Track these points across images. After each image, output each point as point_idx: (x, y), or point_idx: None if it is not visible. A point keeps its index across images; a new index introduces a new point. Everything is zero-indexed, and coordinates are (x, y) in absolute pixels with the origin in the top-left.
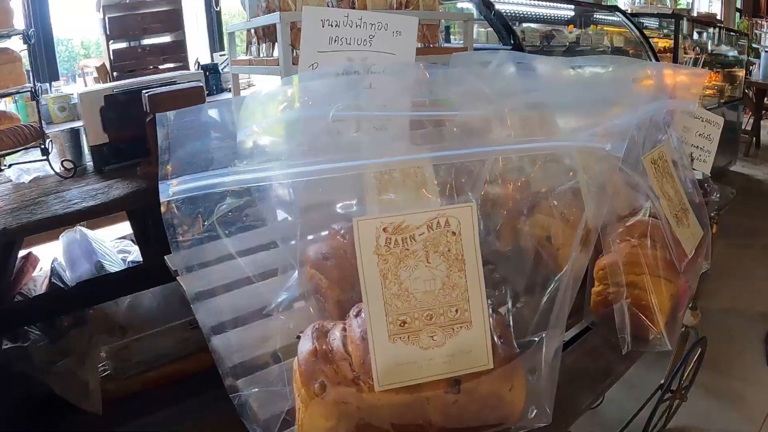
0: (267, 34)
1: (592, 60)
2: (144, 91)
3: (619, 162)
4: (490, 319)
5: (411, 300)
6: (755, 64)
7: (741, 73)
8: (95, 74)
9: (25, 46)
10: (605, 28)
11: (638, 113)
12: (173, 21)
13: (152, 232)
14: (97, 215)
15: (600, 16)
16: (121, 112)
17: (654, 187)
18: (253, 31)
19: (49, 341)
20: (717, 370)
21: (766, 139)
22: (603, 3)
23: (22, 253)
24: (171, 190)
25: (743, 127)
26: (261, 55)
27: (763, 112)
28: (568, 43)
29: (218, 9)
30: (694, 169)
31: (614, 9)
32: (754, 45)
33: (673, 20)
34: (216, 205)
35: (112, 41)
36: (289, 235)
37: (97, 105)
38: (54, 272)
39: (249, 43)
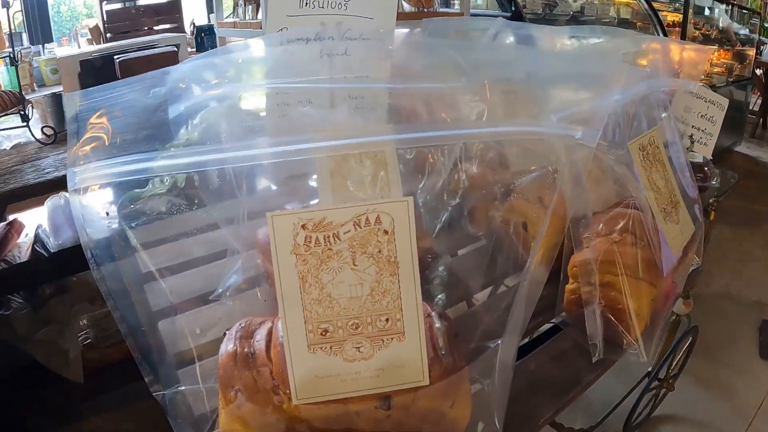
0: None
1: (584, 30)
2: (115, 57)
3: (592, 152)
4: (434, 327)
5: (334, 306)
6: (767, 44)
7: (751, 52)
8: (89, 36)
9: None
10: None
11: (624, 93)
12: None
13: None
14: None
15: None
16: (98, 77)
17: (640, 176)
18: None
19: (31, 309)
20: (708, 359)
21: None
22: None
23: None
24: (77, 178)
25: (751, 107)
26: (246, 18)
27: None
28: (572, 12)
29: None
30: (693, 152)
31: None
32: (766, 24)
33: None
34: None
35: (105, 2)
36: (234, 216)
37: (74, 70)
38: (37, 239)
39: (236, 5)
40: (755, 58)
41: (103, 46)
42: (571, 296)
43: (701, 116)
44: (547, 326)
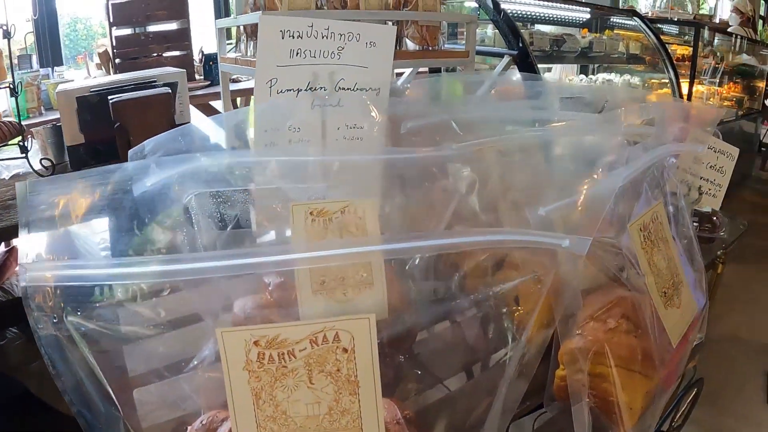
0: (255, 32)
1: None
2: (109, 98)
3: (582, 260)
4: None
5: (290, 425)
6: None
7: (761, 83)
8: (98, 60)
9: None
10: (621, 33)
11: (625, 174)
12: (178, 8)
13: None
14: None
15: (617, 20)
16: (96, 113)
17: (640, 261)
18: (242, 27)
19: (26, 340)
20: (713, 406)
21: None
22: (622, 5)
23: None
24: (28, 275)
25: (761, 139)
26: (248, 54)
27: None
28: (580, 49)
29: None
30: (697, 209)
31: (632, 13)
32: None
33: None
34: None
35: (115, 27)
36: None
37: (72, 105)
38: None
39: (238, 39)
40: (765, 89)
41: (101, 80)
42: (561, 383)
43: (710, 167)
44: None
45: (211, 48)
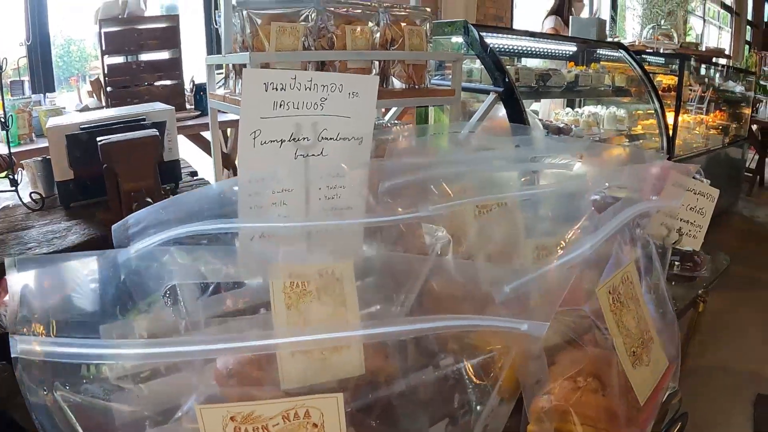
0: (242, 70)
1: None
2: (98, 139)
3: (540, 344)
4: None
5: None
6: (762, 101)
7: (747, 110)
8: (89, 88)
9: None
10: (608, 65)
11: (593, 242)
12: (170, 38)
13: None
14: None
15: (603, 53)
16: (85, 150)
17: (609, 323)
18: (230, 64)
19: (12, 372)
20: None
21: None
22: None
23: None
24: (19, 347)
25: (747, 164)
26: (236, 91)
27: None
28: (565, 84)
29: (218, 26)
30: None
31: (617, 46)
32: (761, 82)
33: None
34: None
35: (107, 55)
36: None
37: (62, 141)
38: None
39: (226, 76)
40: (751, 116)
41: (91, 116)
42: None
43: (690, 209)
44: None
45: (201, 78)
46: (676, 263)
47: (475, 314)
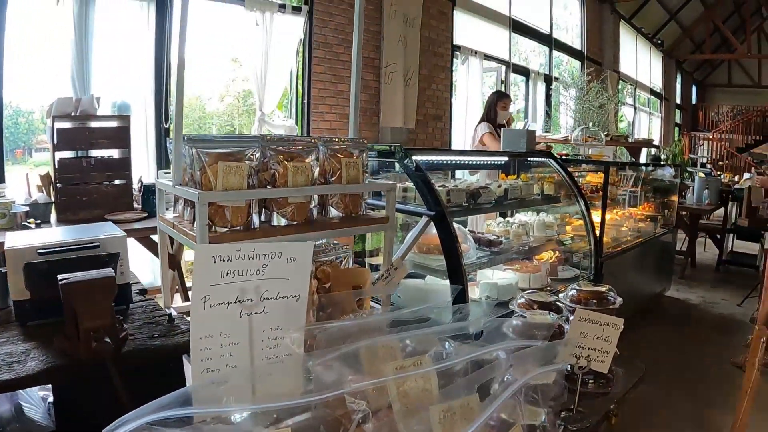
0: (190, 202)
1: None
2: (59, 278)
3: None
4: None
5: None
6: (689, 187)
7: (675, 197)
8: (39, 182)
9: None
10: (537, 173)
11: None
12: (121, 138)
13: (67, 405)
14: (9, 389)
15: (533, 160)
16: (42, 275)
17: None
18: None
19: None
20: None
21: (702, 258)
22: (544, 131)
23: None
24: None
25: (680, 246)
26: (185, 217)
27: (698, 232)
28: (495, 199)
29: (167, 126)
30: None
31: (546, 154)
32: (688, 169)
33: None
34: None
35: (58, 150)
36: None
37: (18, 265)
38: None
39: (175, 201)
40: (679, 203)
41: (46, 238)
42: None
43: (597, 338)
44: None
45: (149, 177)
46: (590, 381)
47: None
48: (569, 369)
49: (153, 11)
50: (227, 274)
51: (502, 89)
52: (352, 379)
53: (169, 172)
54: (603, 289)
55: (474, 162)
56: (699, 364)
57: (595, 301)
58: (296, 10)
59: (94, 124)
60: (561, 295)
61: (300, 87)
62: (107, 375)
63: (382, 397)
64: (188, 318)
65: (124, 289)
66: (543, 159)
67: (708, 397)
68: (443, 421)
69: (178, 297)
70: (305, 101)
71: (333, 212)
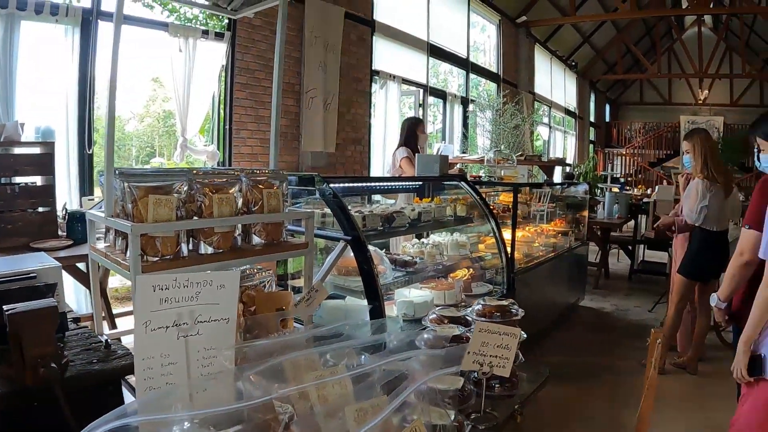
0: (121, 233)
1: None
2: (4, 308)
3: None
4: None
5: None
6: (600, 202)
7: (585, 213)
8: None
9: None
10: (450, 196)
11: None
12: (45, 164)
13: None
14: None
15: (447, 183)
16: None
17: None
18: None
19: None
20: None
21: (616, 268)
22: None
23: None
24: None
25: (595, 258)
26: (116, 247)
27: (610, 245)
28: (408, 222)
29: (90, 152)
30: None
31: (459, 178)
32: (599, 185)
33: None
34: None
35: None
36: None
37: None
38: None
39: (107, 231)
40: (590, 217)
41: None
42: None
43: (498, 346)
44: None
45: (73, 204)
46: (497, 385)
47: None
48: (476, 375)
49: (78, 37)
50: (165, 301)
51: (420, 112)
52: (278, 386)
53: (93, 199)
54: (506, 303)
55: (389, 187)
56: (612, 367)
57: (499, 313)
58: (219, 36)
59: (18, 150)
60: (469, 309)
61: (222, 112)
62: (52, 399)
63: (305, 402)
64: (122, 343)
65: (61, 317)
66: (456, 182)
67: (620, 397)
68: (357, 419)
69: (105, 324)
70: (227, 126)
71: (256, 239)
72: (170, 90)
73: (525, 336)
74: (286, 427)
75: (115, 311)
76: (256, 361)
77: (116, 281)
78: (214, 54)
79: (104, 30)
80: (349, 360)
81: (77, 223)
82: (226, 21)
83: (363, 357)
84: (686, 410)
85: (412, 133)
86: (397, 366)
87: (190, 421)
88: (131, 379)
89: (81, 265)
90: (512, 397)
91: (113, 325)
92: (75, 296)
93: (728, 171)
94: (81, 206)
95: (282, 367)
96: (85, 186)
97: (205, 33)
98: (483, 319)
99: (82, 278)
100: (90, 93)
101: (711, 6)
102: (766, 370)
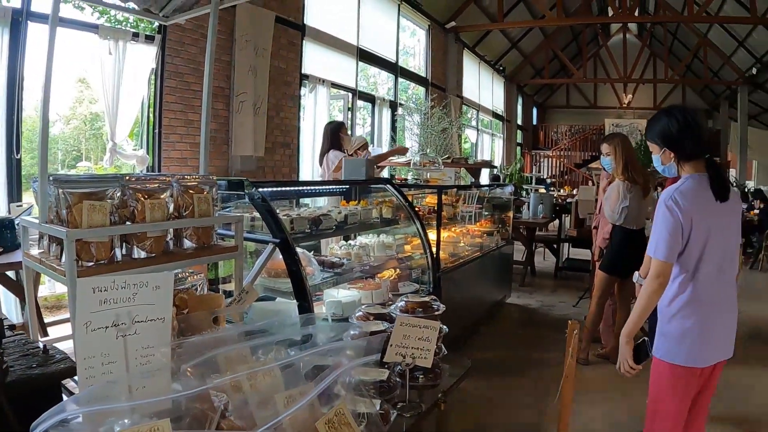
0: (56, 239)
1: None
2: None
3: None
4: None
5: None
6: (525, 203)
7: (510, 213)
8: None
9: None
10: (377, 200)
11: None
12: None
13: None
14: None
15: (374, 187)
16: None
17: None
18: None
19: None
20: None
21: (542, 266)
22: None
23: None
24: None
25: (522, 257)
26: (51, 254)
27: (535, 243)
28: (335, 225)
29: (18, 157)
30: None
31: (385, 181)
32: (524, 186)
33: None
34: None
35: None
36: None
37: None
38: None
39: (40, 237)
40: (515, 217)
41: None
42: None
43: (419, 339)
44: None
45: (1, 211)
46: (420, 376)
47: None
48: (401, 367)
49: (7, 38)
50: (104, 302)
51: (349, 116)
52: (213, 377)
53: (22, 205)
54: (428, 299)
55: (317, 190)
56: (537, 360)
57: (421, 309)
58: (149, 39)
59: None
60: (392, 306)
61: (151, 116)
62: None
63: (239, 393)
64: (60, 348)
65: None
66: (382, 185)
67: (543, 387)
68: (287, 405)
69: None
70: (156, 130)
71: (187, 243)
72: (99, 92)
73: (446, 329)
74: (223, 416)
75: (45, 320)
76: (192, 356)
77: (45, 290)
78: (145, 57)
79: (34, 31)
80: (277, 354)
81: (6, 230)
82: (157, 24)
83: (291, 351)
84: (610, 399)
85: (336, 136)
86: (322, 358)
87: (132, 415)
88: (69, 384)
89: (10, 273)
90: (436, 387)
91: (45, 333)
92: (5, 305)
93: (647, 173)
94: (9, 213)
95: (216, 360)
96: (14, 192)
97: (136, 36)
98: (407, 314)
99: (12, 286)
100: (18, 96)
101: (636, 14)
102: (651, 350)
